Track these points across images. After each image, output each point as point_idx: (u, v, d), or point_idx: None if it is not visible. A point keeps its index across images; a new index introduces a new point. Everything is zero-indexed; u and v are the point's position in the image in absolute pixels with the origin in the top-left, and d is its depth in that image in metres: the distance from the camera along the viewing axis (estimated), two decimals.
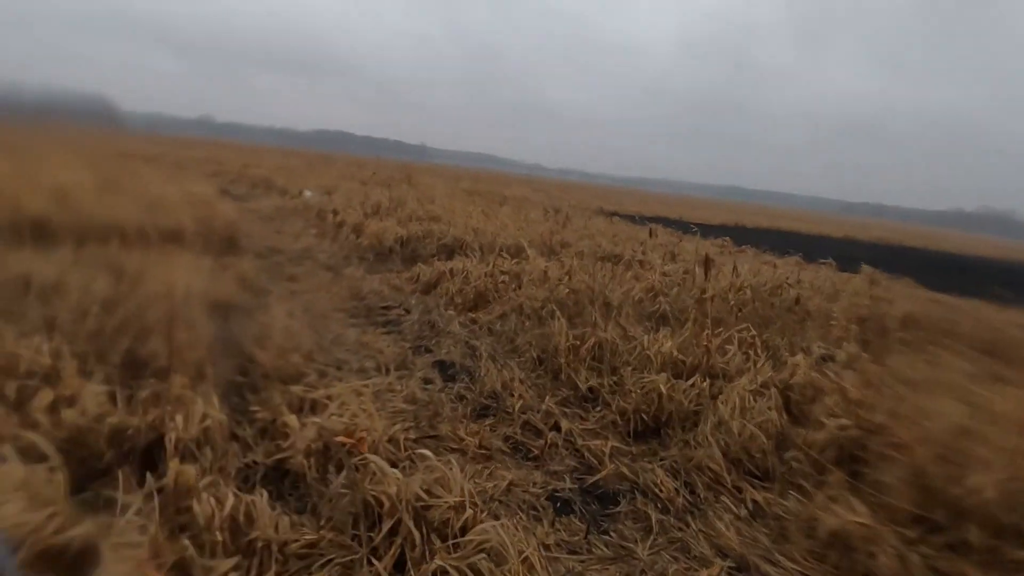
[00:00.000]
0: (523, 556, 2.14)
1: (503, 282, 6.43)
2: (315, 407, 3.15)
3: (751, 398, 3.39)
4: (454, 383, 4.12)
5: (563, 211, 15.81)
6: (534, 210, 15.80)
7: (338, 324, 5.08)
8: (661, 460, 3.27)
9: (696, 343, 4.41)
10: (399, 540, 2.17)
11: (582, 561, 2.43)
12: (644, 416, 3.66)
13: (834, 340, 4.21)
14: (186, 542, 1.87)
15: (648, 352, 4.36)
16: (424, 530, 2.21)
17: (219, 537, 1.93)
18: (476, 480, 2.83)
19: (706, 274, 5.19)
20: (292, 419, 2.82)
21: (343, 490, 2.46)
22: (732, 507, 2.80)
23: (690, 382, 3.82)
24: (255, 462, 2.69)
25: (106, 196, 6.78)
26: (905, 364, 3.75)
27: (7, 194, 6.15)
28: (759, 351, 4.30)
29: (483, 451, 3.24)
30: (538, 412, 3.76)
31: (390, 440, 3.02)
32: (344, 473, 2.58)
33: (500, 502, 2.76)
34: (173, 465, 2.12)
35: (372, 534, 2.23)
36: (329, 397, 3.20)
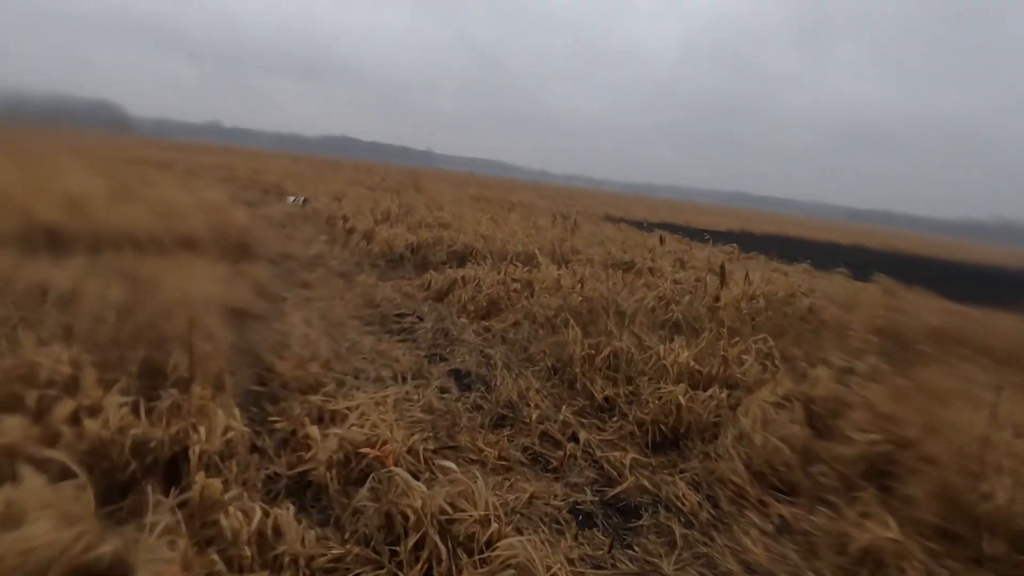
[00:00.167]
0: (551, 572, 2.12)
1: (515, 290, 6.42)
2: (335, 417, 3.14)
3: (773, 410, 3.35)
4: (470, 392, 4.11)
5: (571, 217, 15.81)
6: (542, 216, 15.80)
7: (354, 332, 5.07)
8: (682, 472, 3.24)
9: (712, 353, 4.39)
10: (425, 555, 2.15)
11: None
12: (662, 427, 3.63)
13: (853, 351, 4.17)
14: (214, 556, 1.86)
15: (664, 362, 4.34)
16: (450, 544, 2.20)
17: (247, 552, 1.92)
18: (497, 492, 2.81)
19: (722, 283, 5.16)
20: (313, 430, 2.80)
21: (367, 503, 2.44)
22: (758, 522, 2.77)
23: (708, 393, 3.79)
24: (277, 474, 2.68)
25: (120, 204, 6.81)
26: (928, 376, 3.71)
27: (20, 203, 6.17)
28: (776, 362, 4.27)
29: (502, 462, 3.21)
30: (555, 422, 3.74)
31: (409, 451, 3.01)
32: (367, 485, 2.57)
33: (522, 515, 2.73)
34: (199, 479, 2.11)
35: (397, 548, 2.22)
36: (349, 407, 3.18)
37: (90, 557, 1.61)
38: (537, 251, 8.30)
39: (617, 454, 3.37)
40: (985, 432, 2.82)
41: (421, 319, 5.78)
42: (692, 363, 4.25)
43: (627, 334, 4.83)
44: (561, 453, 3.36)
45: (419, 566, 2.11)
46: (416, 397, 3.83)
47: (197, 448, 2.34)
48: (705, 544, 2.64)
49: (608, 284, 6.39)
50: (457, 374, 4.42)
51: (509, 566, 2.12)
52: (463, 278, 6.82)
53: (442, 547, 2.16)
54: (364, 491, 2.53)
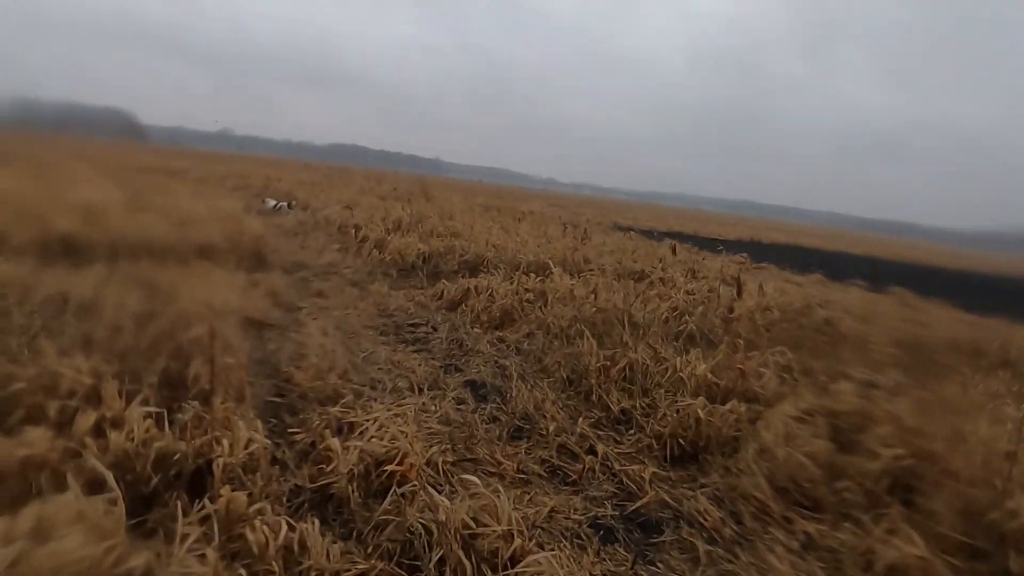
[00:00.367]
0: None
1: (528, 300, 6.42)
2: (354, 429, 3.13)
3: (795, 425, 3.32)
4: (486, 404, 4.09)
5: (581, 227, 15.81)
6: (552, 225, 15.80)
7: (369, 342, 5.07)
8: (703, 487, 3.21)
9: (729, 365, 4.36)
10: (449, 570, 2.14)
11: None
12: (681, 441, 3.61)
13: (874, 364, 4.13)
14: (241, 571, 1.85)
15: (681, 374, 4.32)
16: (474, 560, 2.18)
17: (274, 567, 1.91)
18: (517, 506, 2.78)
19: (738, 294, 5.13)
20: (334, 443, 2.79)
21: (389, 517, 2.43)
22: (783, 539, 2.73)
23: (727, 406, 3.76)
24: (298, 487, 2.67)
25: (135, 212, 6.85)
26: (950, 389, 3.67)
27: (38, 212, 6.23)
28: (795, 375, 4.23)
29: (521, 475, 3.20)
30: (572, 435, 3.72)
31: (428, 463, 3.00)
32: (388, 499, 2.56)
33: (543, 529, 2.71)
34: (224, 492, 2.10)
35: (420, 563, 2.20)
36: (368, 419, 3.17)
37: (121, 571, 1.60)
38: (552, 262, 8.30)
39: (636, 468, 3.35)
40: (1009, 447, 2.79)
41: (435, 329, 5.78)
42: (709, 375, 4.23)
43: (642, 345, 4.81)
44: (579, 466, 3.34)
45: None
46: (433, 408, 3.82)
47: (221, 461, 2.34)
48: (730, 561, 2.61)
49: (621, 294, 6.37)
50: (473, 385, 4.41)
51: None
52: (476, 288, 6.82)
53: (466, 562, 2.15)
54: (386, 504, 2.52)
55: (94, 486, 2.00)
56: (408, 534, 2.32)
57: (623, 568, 2.52)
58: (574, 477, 3.26)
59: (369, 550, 2.28)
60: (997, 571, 2.47)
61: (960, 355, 4.71)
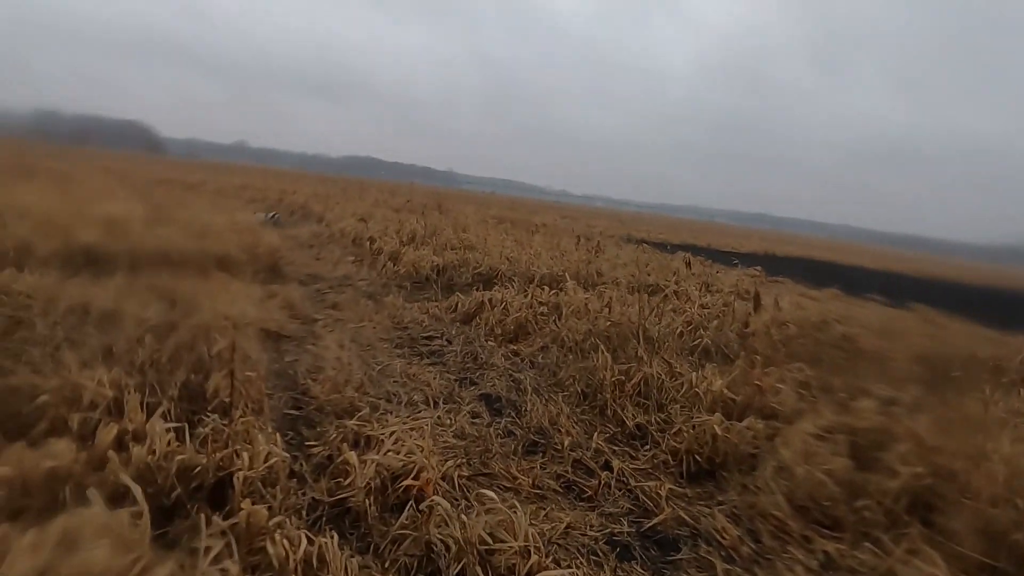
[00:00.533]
0: None
1: (542, 313, 6.42)
2: (370, 442, 3.14)
3: (814, 442, 3.29)
4: (501, 418, 4.09)
5: (594, 239, 15.82)
6: (565, 238, 15.82)
7: (384, 354, 5.10)
8: (720, 505, 3.18)
9: (746, 381, 4.33)
10: None
11: None
12: (697, 457, 3.58)
13: (894, 381, 4.09)
14: None
15: (697, 389, 4.30)
16: None
17: None
18: (533, 522, 2.78)
19: (755, 308, 5.11)
20: (352, 456, 2.80)
21: (406, 531, 2.44)
22: (802, 558, 2.70)
23: (744, 423, 3.74)
24: (316, 500, 2.68)
25: (155, 225, 6.95)
26: (971, 406, 3.63)
27: (60, 224, 6.34)
28: (814, 391, 4.20)
29: (536, 490, 3.19)
30: (587, 450, 3.71)
31: (444, 477, 3.00)
32: (405, 513, 2.56)
33: (559, 546, 2.70)
34: (245, 505, 2.12)
35: None
36: (384, 433, 3.18)
37: None
38: (567, 276, 8.31)
39: (652, 484, 3.34)
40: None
41: (449, 342, 5.79)
42: (726, 391, 4.20)
43: (657, 360, 4.79)
44: (595, 482, 3.33)
45: None
46: (448, 422, 3.83)
47: (241, 474, 2.36)
48: None
49: (635, 308, 6.36)
50: (487, 398, 4.41)
51: None
52: (490, 300, 6.83)
53: None
54: (403, 519, 2.53)
55: (117, 498, 2.02)
56: (426, 549, 2.33)
57: None
58: (590, 493, 3.25)
59: (386, 565, 2.29)
60: None
61: (981, 371, 4.65)
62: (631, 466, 3.58)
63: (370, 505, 2.62)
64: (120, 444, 2.47)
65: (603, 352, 4.80)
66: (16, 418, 2.61)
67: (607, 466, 3.54)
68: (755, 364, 4.58)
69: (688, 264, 12.29)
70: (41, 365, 3.10)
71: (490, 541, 2.33)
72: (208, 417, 2.84)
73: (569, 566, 2.49)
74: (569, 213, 41.10)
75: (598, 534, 2.86)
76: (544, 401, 4.35)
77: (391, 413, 3.72)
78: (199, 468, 2.37)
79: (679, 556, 2.76)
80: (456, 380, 4.72)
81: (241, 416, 2.84)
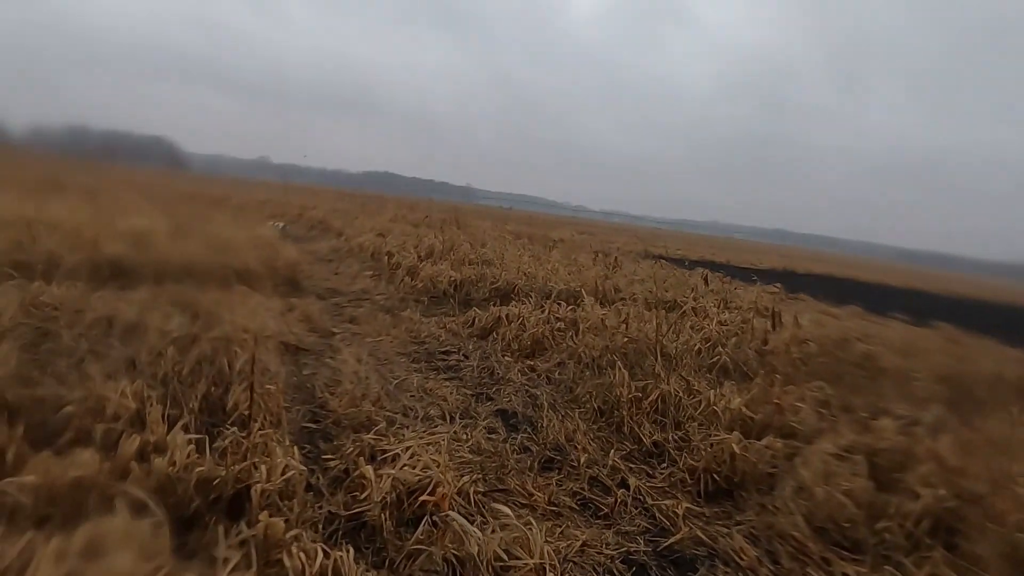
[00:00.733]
0: None
1: (559, 329, 6.42)
2: (386, 457, 3.16)
3: (834, 462, 3.25)
4: (517, 433, 4.09)
5: (612, 255, 15.81)
6: (582, 253, 15.82)
7: (401, 369, 5.12)
8: (738, 525, 3.15)
9: (765, 399, 4.29)
10: None
11: None
12: (715, 476, 3.55)
13: (916, 401, 4.03)
14: None
15: (715, 407, 4.27)
16: None
17: None
18: (549, 539, 2.77)
19: (773, 326, 5.07)
20: (368, 470, 2.82)
21: (421, 546, 2.44)
22: None
23: (763, 442, 3.70)
24: (332, 513, 2.70)
25: (180, 239, 7.08)
26: (996, 428, 3.56)
27: (88, 238, 6.48)
28: (834, 411, 4.15)
29: (552, 507, 3.18)
30: (604, 467, 3.69)
31: (459, 493, 3.00)
32: (421, 528, 2.57)
33: (575, 563, 2.69)
34: (263, 518, 2.14)
35: None
36: (401, 447, 3.20)
37: None
38: (584, 292, 8.30)
39: (669, 502, 3.31)
40: None
41: (466, 357, 5.81)
42: (744, 409, 4.17)
43: (675, 377, 4.77)
44: (611, 499, 3.31)
45: None
46: (465, 437, 3.83)
47: (259, 487, 2.39)
48: None
49: (653, 324, 6.34)
50: (504, 414, 4.41)
51: None
52: (507, 316, 6.84)
53: None
54: (418, 534, 2.54)
55: (140, 508, 2.05)
56: (441, 564, 2.33)
57: None
58: (606, 510, 3.23)
59: None
60: None
61: (1006, 392, 4.56)
62: (648, 484, 3.56)
63: (386, 519, 2.63)
64: (142, 455, 2.51)
65: (620, 368, 4.79)
66: (42, 428, 2.66)
67: (624, 484, 3.52)
68: (774, 382, 4.54)
69: (706, 280, 12.22)
70: (66, 376, 3.16)
71: (505, 558, 2.33)
72: (228, 429, 2.88)
73: None
74: (587, 228, 41.10)
75: (614, 552, 2.84)
76: (560, 417, 4.34)
77: (407, 427, 3.73)
78: (218, 480, 2.40)
79: None
80: (472, 395, 4.73)
81: (260, 429, 2.87)
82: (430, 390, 4.65)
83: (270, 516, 2.19)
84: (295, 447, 2.89)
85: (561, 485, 3.44)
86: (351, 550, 2.23)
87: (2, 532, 1.76)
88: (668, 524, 3.14)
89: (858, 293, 17.36)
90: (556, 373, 5.44)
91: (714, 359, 5.77)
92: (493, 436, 3.98)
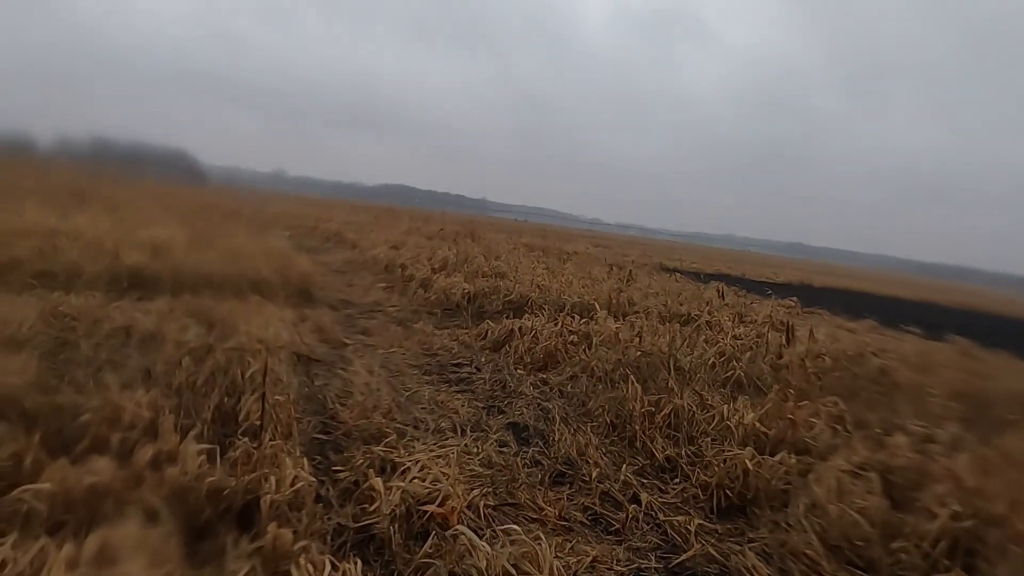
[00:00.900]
0: None
1: (572, 342, 6.40)
2: (396, 469, 3.16)
3: (848, 480, 3.20)
4: (528, 447, 4.07)
5: (626, 268, 15.77)
6: (596, 266, 15.80)
7: (412, 381, 5.14)
8: (751, 542, 3.11)
9: (779, 414, 4.25)
10: None
11: None
12: (728, 492, 3.52)
13: (932, 417, 3.97)
14: None
15: (728, 422, 4.24)
16: None
17: None
18: (559, 554, 2.75)
19: (788, 340, 5.03)
20: (378, 483, 2.83)
21: (430, 560, 2.44)
22: None
23: (777, 458, 3.66)
24: (341, 525, 2.70)
25: (197, 249, 7.17)
26: (1015, 446, 3.50)
27: (109, 248, 6.60)
28: (848, 427, 4.10)
29: (563, 522, 3.16)
30: (616, 482, 3.67)
31: (469, 506, 3.00)
32: (429, 542, 2.56)
33: None
34: (271, 529, 2.15)
35: None
36: (411, 459, 3.20)
37: None
38: (597, 305, 8.29)
39: (681, 518, 3.28)
40: None
41: (478, 369, 5.81)
42: (758, 425, 4.13)
43: (688, 391, 4.74)
44: (623, 515, 3.29)
45: None
46: (475, 450, 3.82)
47: (268, 498, 2.40)
48: None
49: (667, 338, 6.32)
50: (515, 427, 4.40)
51: None
52: (520, 329, 6.83)
53: None
54: (427, 547, 2.53)
55: (152, 516, 2.08)
56: None
57: None
58: (617, 526, 3.21)
59: None
60: None
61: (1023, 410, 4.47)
62: (660, 499, 3.53)
63: (395, 532, 2.63)
64: (156, 464, 2.54)
65: (633, 382, 4.77)
66: (59, 435, 2.70)
67: (635, 499, 3.50)
68: (788, 397, 4.50)
69: (721, 294, 12.14)
70: (84, 385, 3.21)
71: (514, 573, 2.32)
72: (239, 440, 2.91)
73: None
74: (601, 241, 41.07)
75: (625, 569, 2.81)
76: (572, 431, 4.32)
77: (418, 440, 3.74)
78: (228, 490, 2.42)
79: None
80: (484, 408, 4.72)
81: (270, 440, 2.89)
82: (441, 402, 4.66)
83: (279, 527, 2.20)
84: (305, 458, 2.90)
85: (572, 500, 3.42)
86: (359, 562, 2.24)
87: (16, 539, 1.78)
88: (680, 540, 3.11)
89: (874, 307, 17.16)
90: (569, 386, 5.42)
91: (728, 373, 5.73)
92: (504, 449, 3.96)
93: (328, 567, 2.08)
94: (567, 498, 3.42)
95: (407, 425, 4.01)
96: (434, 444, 3.67)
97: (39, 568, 1.65)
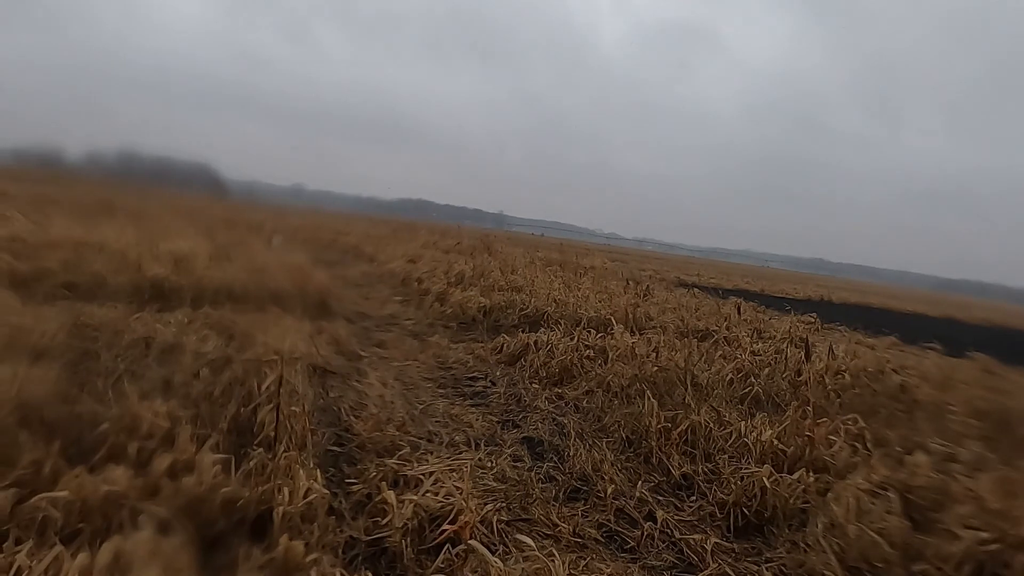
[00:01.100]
0: None
1: (588, 357, 6.37)
2: (409, 482, 3.16)
3: (867, 499, 3.14)
4: (543, 462, 4.05)
5: (643, 282, 15.70)
6: (613, 281, 15.73)
7: (427, 394, 5.14)
8: (768, 562, 3.05)
9: (797, 432, 4.19)
10: None
11: None
12: (745, 510, 3.47)
13: (953, 436, 3.89)
14: None
15: (746, 440, 4.18)
16: None
17: None
18: (573, 571, 2.72)
19: (807, 357, 4.96)
20: (391, 496, 2.82)
21: (441, 574, 2.43)
22: None
23: (795, 476, 3.60)
24: (353, 538, 2.70)
25: (218, 262, 7.28)
26: None
27: (133, 260, 6.71)
28: (868, 445, 4.03)
29: (577, 539, 3.13)
30: (631, 499, 3.63)
31: (482, 521, 2.98)
32: (441, 556, 2.55)
33: None
34: (283, 541, 2.16)
35: None
36: (424, 473, 3.20)
37: None
38: (613, 320, 8.25)
39: (697, 537, 3.23)
40: None
41: (493, 383, 5.80)
42: (776, 442, 4.08)
43: (705, 408, 4.69)
44: (638, 532, 3.25)
45: None
46: (489, 464, 3.80)
47: (281, 509, 2.41)
48: None
49: (684, 354, 6.27)
50: (530, 442, 4.38)
51: None
52: (535, 343, 6.82)
53: None
54: (438, 562, 2.52)
55: (167, 525, 2.09)
56: None
57: None
58: (632, 544, 3.17)
59: None
60: None
61: None
62: (676, 517, 3.49)
63: (406, 546, 2.62)
64: (172, 474, 2.56)
65: (649, 398, 4.72)
66: (78, 444, 2.74)
67: (651, 516, 3.45)
68: (807, 414, 4.43)
69: (739, 309, 12.02)
70: (104, 395, 3.26)
71: None
72: (254, 451, 2.92)
73: None
74: (619, 256, 40.92)
75: None
76: (588, 447, 4.29)
77: (431, 453, 3.73)
78: (242, 501, 2.43)
79: None
80: (498, 422, 4.71)
81: (285, 451, 2.90)
82: (456, 416, 4.65)
83: (291, 539, 2.20)
84: (318, 470, 2.91)
85: (586, 516, 3.39)
86: (369, 575, 2.23)
87: (31, 546, 1.81)
88: (696, 559, 3.07)
89: (895, 323, 16.88)
90: (584, 401, 5.39)
91: (746, 390, 5.67)
92: (518, 464, 3.94)
93: None
94: (581, 514, 3.39)
95: (421, 438, 4.01)
96: (448, 458, 3.66)
97: None
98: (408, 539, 2.65)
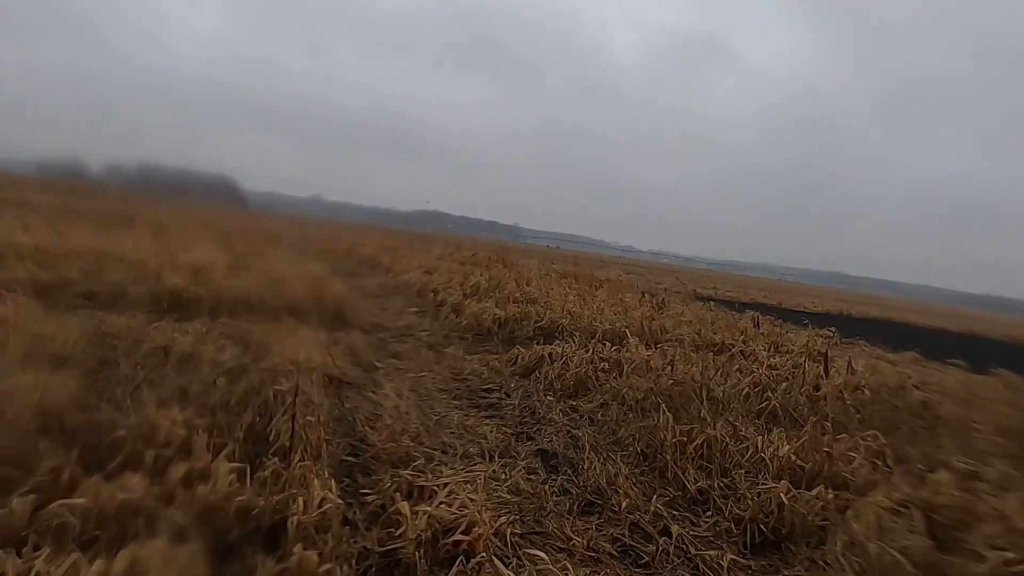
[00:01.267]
0: None
1: (603, 369, 6.34)
2: (423, 493, 3.15)
3: (888, 517, 3.08)
4: (557, 475, 4.02)
5: (659, 295, 15.62)
6: (629, 293, 15.69)
7: (442, 405, 5.14)
8: None
9: (815, 447, 4.13)
10: None
11: None
12: (762, 527, 3.41)
13: (977, 454, 3.81)
14: None
15: (763, 455, 4.13)
16: None
17: None
18: None
19: (825, 371, 4.90)
20: (404, 507, 2.82)
21: None
22: None
23: (813, 492, 3.55)
24: (367, 549, 2.69)
25: (236, 273, 7.36)
26: None
27: (152, 270, 6.81)
28: (889, 462, 3.96)
29: (591, 553, 3.10)
30: (646, 513, 3.59)
31: (496, 533, 2.96)
32: (454, 569, 2.54)
33: None
34: (297, 550, 2.16)
35: None
36: (438, 484, 3.19)
37: None
38: (628, 332, 8.21)
39: (713, 553, 3.18)
40: None
41: (508, 395, 5.78)
42: (793, 457, 4.02)
43: (721, 422, 4.65)
44: (653, 548, 3.21)
45: None
46: (503, 476, 3.78)
47: (295, 519, 2.41)
48: None
49: (700, 367, 6.22)
50: (544, 454, 4.35)
51: None
52: (550, 355, 6.80)
53: None
54: (452, 574, 2.51)
55: (182, 534, 2.10)
56: None
57: None
58: (647, 559, 3.13)
59: None
60: None
61: None
62: (691, 533, 3.44)
63: (420, 558, 2.61)
64: (187, 482, 2.58)
65: (665, 411, 4.68)
66: (96, 451, 2.76)
67: (666, 531, 3.41)
68: (826, 430, 4.37)
69: (756, 323, 11.92)
70: (122, 403, 3.29)
71: None
72: (269, 460, 2.93)
73: None
74: (634, 269, 40.83)
75: None
76: (602, 460, 4.26)
77: (446, 465, 3.72)
78: (256, 510, 2.44)
79: None
80: (513, 434, 4.69)
81: (299, 461, 2.91)
82: (470, 427, 4.64)
83: (305, 549, 2.20)
84: (333, 480, 2.91)
85: (601, 530, 3.35)
86: None
87: (49, 552, 1.82)
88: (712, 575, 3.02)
89: (916, 338, 16.64)
90: (599, 414, 5.36)
91: (763, 404, 5.60)
92: (532, 477, 3.92)
93: None
94: (596, 528, 3.35)
95: (435, 449, 4.00)
96: (462, 469, 3.65)
97: None
98: (421, 550, 2.64)
